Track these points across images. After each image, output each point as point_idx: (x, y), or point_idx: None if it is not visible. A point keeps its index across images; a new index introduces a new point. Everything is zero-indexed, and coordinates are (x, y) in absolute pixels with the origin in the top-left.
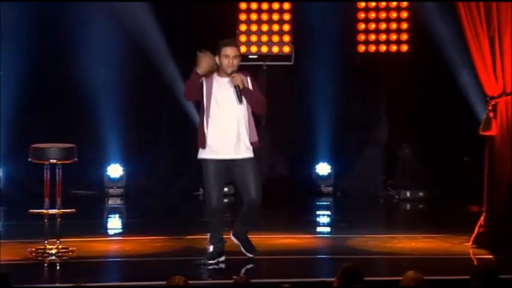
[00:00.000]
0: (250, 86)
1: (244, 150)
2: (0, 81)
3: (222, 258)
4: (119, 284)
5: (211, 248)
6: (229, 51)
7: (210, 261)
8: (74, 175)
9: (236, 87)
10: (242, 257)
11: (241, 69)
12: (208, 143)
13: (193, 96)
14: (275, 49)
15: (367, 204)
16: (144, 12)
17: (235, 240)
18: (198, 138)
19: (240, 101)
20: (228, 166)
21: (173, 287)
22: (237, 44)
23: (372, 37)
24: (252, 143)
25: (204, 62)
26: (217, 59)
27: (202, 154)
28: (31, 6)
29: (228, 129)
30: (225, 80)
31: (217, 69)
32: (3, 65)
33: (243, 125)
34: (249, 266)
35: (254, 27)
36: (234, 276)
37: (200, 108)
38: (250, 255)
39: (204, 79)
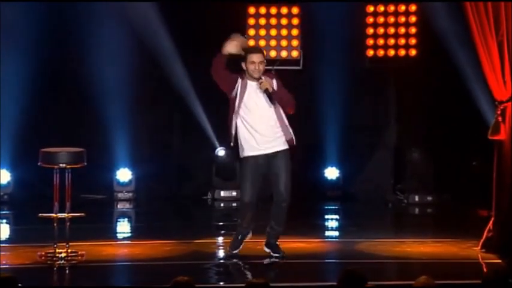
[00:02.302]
0: (275, 87)
1: (278, 144)
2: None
3: (249, 236)
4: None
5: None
6: (255, 57)
7: (234, 251)
8: (84, 179)
9: (265, 91)
10: (253, 261)
11: (265, 72)
12: (244, 142)
13: (218, 76)
14: (284, 54)
15: (375, 209)
16: (153, 15)
17: (266, 249)
18: (229, 137)
19: (273, 104)
20: (265, 160)
21: (178, 284)
22: (262, 51)
23: (381, 41)
24: (287, 141)
25: (231, 44)
26: (243, 65)
27: (242, 152)
28: (41, 9)
29: (259, 131)
30: (253, 84)
31: (244, 72)
32: (12, 68)
33: (274, 125)
34: (258, 270)
35: (263, 32)
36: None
37: (230, 108)
38: (277, 255)
39: (240, 81)
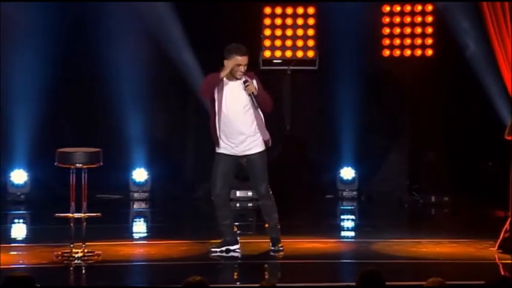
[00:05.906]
0: (257, 88)
1: (252, 146)
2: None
3: (235, 247)
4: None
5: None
6: (241, 60)
7: (214, 249)
8: (100, 179)
9: (251, 94)
10: (266, 261)
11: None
12: (221, 141)
13: (209, 95)
14: (299, 54)
15: (391, 209)
16: (168, 15)
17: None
18: (213, 137)
19: (257, 106)
20: (238, 161)
21: (190, 284)
22: (248, 53)
23: (397, 41)
24: (264, 141)
25: (228, 68)
26: (226, 62)
27: (217, 149)
28: (56, 9)
29: (237, 130)
30: (234, 84)
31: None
32: (28, 69)
33: (252, 125)
34: (273, 270)
35: (278, 32)
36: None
37: (211, 109)
38: (272, 248)
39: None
